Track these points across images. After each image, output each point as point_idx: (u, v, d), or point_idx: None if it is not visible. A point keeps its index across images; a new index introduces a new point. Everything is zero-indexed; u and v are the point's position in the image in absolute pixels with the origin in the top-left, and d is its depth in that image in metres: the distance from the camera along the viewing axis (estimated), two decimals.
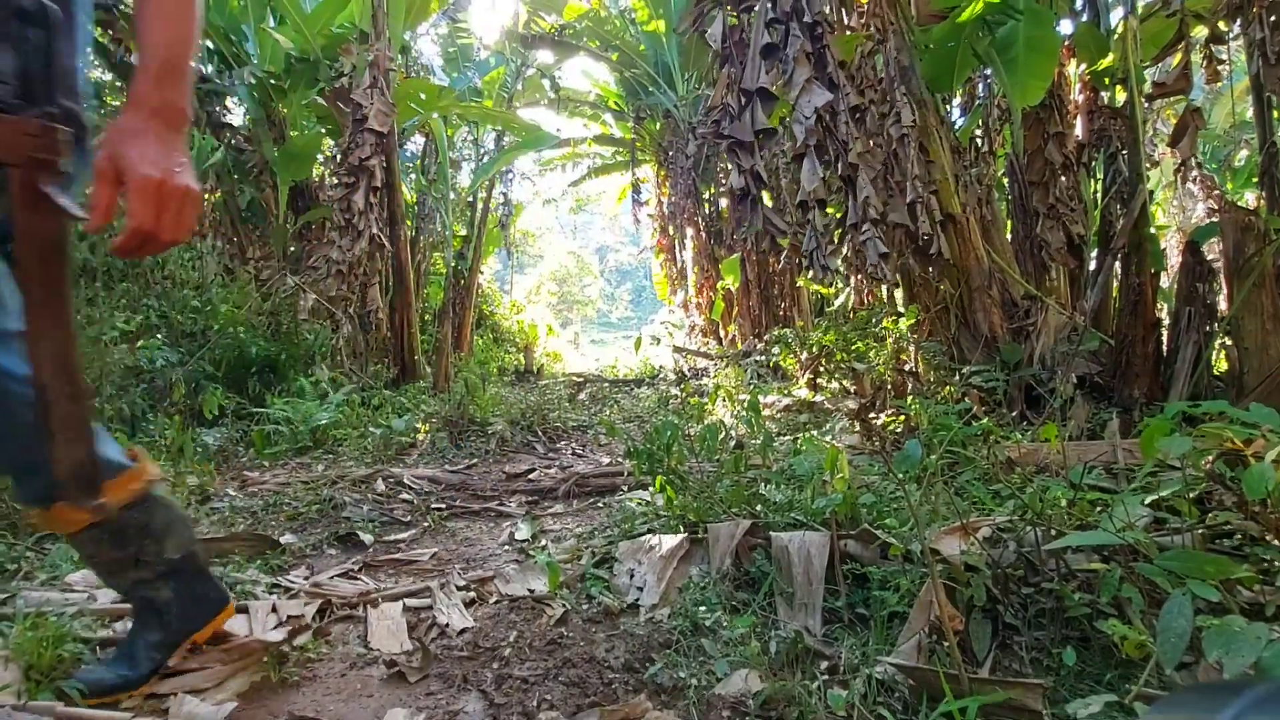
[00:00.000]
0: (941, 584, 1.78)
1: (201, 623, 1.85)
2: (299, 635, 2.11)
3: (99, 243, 4.77)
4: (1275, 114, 4.51)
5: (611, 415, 6.66)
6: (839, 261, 5.78)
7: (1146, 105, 5.48)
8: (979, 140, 5.81)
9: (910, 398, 4.21)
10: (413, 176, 10.61)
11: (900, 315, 5.04)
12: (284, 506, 3.56)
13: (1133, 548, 1.77)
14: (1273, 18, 3.98)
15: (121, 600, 2.30)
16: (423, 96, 8.34)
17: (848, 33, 4.79)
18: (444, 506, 3.77)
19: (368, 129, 6.96)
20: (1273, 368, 3.29)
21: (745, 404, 4.42)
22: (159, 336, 4.96)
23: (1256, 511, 1.88)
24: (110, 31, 7.05)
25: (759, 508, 2.71)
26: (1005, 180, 5.53)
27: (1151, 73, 6.45)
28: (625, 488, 3.93)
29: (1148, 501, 2.08)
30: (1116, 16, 4.96)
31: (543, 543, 3.14)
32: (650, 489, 3.23)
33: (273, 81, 7.53)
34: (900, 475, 1.96)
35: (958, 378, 4.23)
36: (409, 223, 9.16)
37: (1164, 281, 5.47)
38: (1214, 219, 5.14)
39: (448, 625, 2.26)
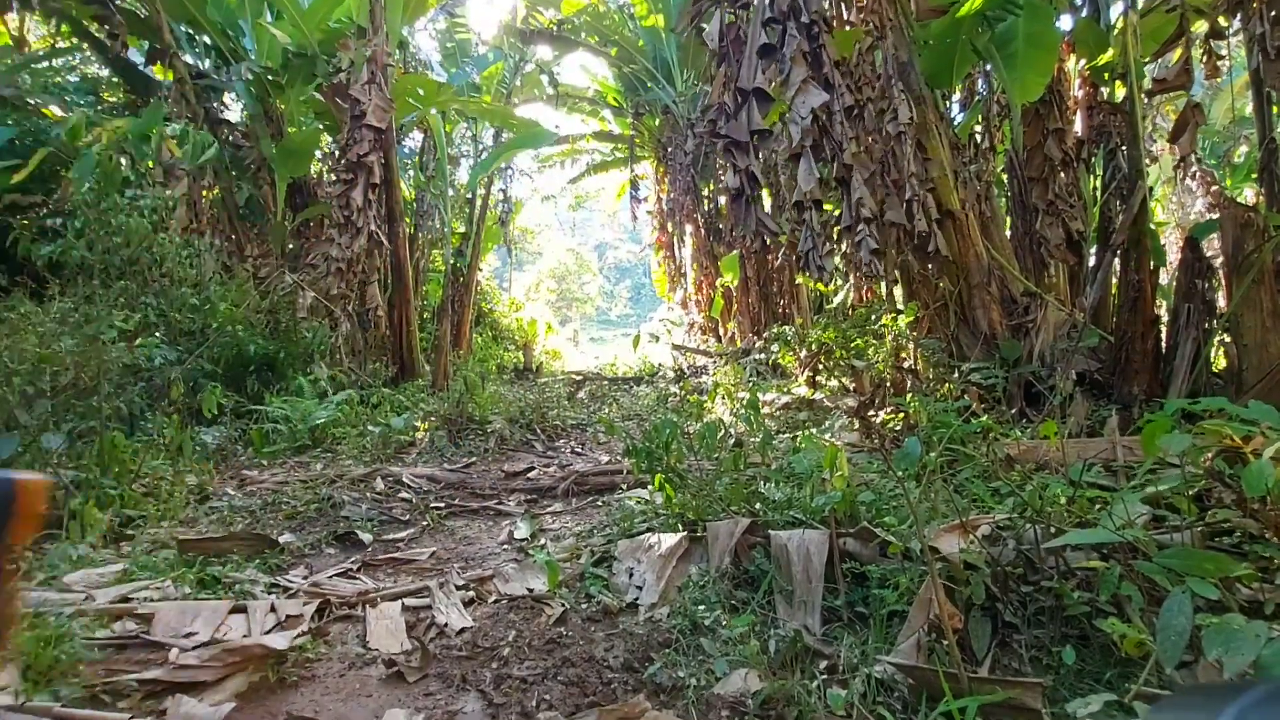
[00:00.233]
0: (940, 582, 1.78)
1: None
2: (298, 637, 2.11)
3: (96, 240, 4.76)
4: (1275, 109, 4.49)
5: (610, 413, 6.64)
6: (837, 260, 5.78)
7: (1146, 101, 5.47)
8: (978, 136, 5.79)
9: (909, 395, 4.21)
10: (411, 173, 10.59)
11: (899, 312, 5.03)
12: (282, 505, 3.55)
13: (1132, 545, 1.76)
14: (1273, 13, 3.96)
15: (119, 600, 2.30)
16: (421, 92, 8.32)
17: (846, 28, 4.77)
18: (443, 505, 3.77)
19: (366, 125, 6.94)
20: (1272, 364, 3.29)
21: (744, 402, 4.43)
22: (157, 335, 4.95)
23: (1256, 509, 1.88)
24: (107, 26, 7.02)
25: (758, 506, 2.71)
26: (1004, 176, 5.52)
27: (1151, 68, 6.44)
28: (624, 486, 3.94)
29: (1146, 498, 2.08)
30: (1116, 11, 4.95)
31: (542, 541, 3.14)
32: (649, 487, 3.24)
33: (270, 77, 7.50)
34: (899, 473, 1.95)
35: (957, 375, 4.22)
36: (407, 220, 9.14)
37: (1163, 278, 5.46)
38: (1213, 215, 5.13)
39: (446, 625, 2.26)
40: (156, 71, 7.52)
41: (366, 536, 3.27)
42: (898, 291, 5.37)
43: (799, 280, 8.20)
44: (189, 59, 7.52)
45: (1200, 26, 4.74)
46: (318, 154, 8.86)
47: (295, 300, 6.54)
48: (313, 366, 6.13)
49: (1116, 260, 4.26)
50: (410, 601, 2.48)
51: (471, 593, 2.56)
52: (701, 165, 10.87)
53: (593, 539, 3.05)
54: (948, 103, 5.51)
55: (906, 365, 4.91)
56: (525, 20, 11.02)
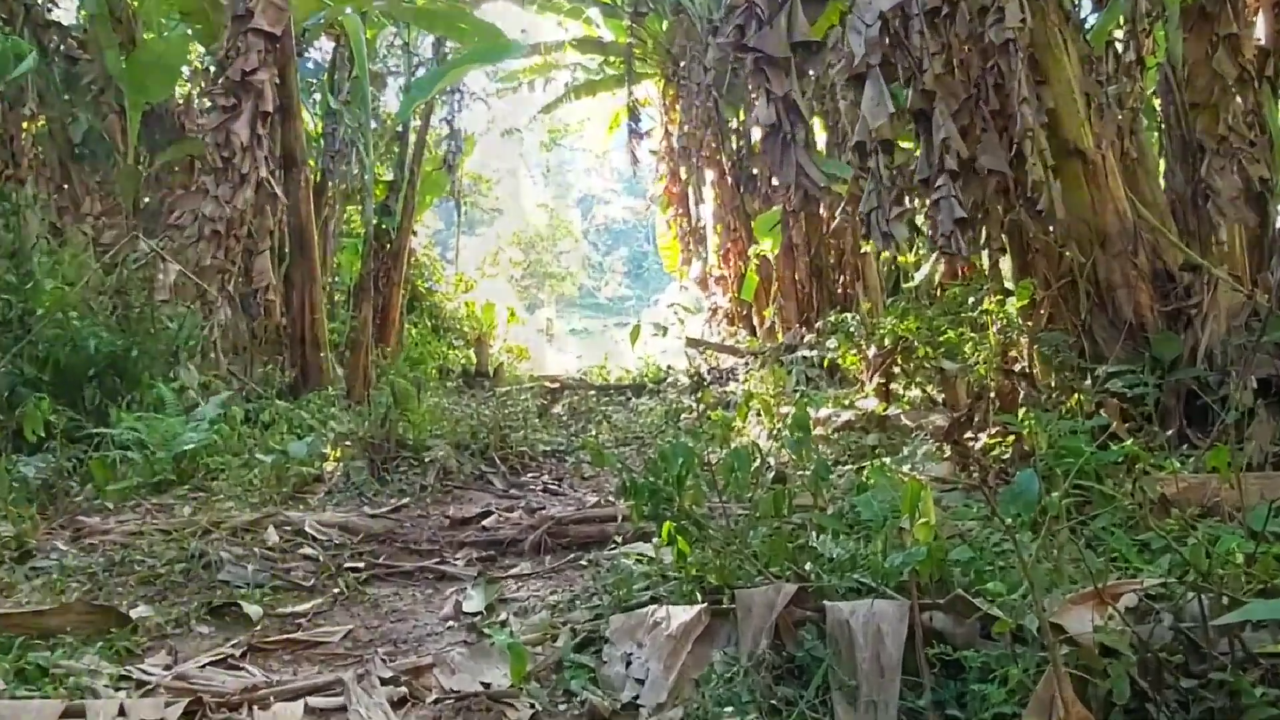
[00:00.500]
0: (1067, 674, 1.78)
1: None
2: None
3: None
4: None
5: (600, 436, 6.71)
6: (918, 222, 5.77)
7: None
8: (1119, 46, 5.80)
9: (1022, 410, 4.22)
10: (317, 97, 10.63)
11: (1008, 294, 5.05)
12: (136, 565, 3.53)
13: None
14: None
15: None
16: None
17: None
18: (362, 565, 3.79)
19: (253, 29, 6.95)
20: None
21: (789, 419, 4.43)
22: None
23: None
24: None
25: (808, 566, 2.72)
26: (1157, 102, 5.52)
27: None
28: (619, 538, 3.95)
29: None
30: None
31: (502, 616, 3.13)
32: (654, 540, 3.26)
33: None
34: (1008, 520, 1.96)
35: (1089, 382, 4.23)
36: (312, 164, 9.17)
37: None
38: None
39: None
40: None
41: (254, 609, 3.27)
42: (1005, 264, 5.38)
43: (865, 248, 8.20)
44: None
45: None
46: (185, 71, 8.88)
47: (153, 276, 6.55)
48: (178, 370, 6.15)
49: None
50: (316, 701, 2.49)
51: (403, 688, 2.57)
52: (727, 86, 10.85)
53: (574, 613, 3.06)
54: (1075, 1, 5.52)
55: (1018, 368, 4.93)
56: None
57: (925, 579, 2.45)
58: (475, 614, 3.27)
